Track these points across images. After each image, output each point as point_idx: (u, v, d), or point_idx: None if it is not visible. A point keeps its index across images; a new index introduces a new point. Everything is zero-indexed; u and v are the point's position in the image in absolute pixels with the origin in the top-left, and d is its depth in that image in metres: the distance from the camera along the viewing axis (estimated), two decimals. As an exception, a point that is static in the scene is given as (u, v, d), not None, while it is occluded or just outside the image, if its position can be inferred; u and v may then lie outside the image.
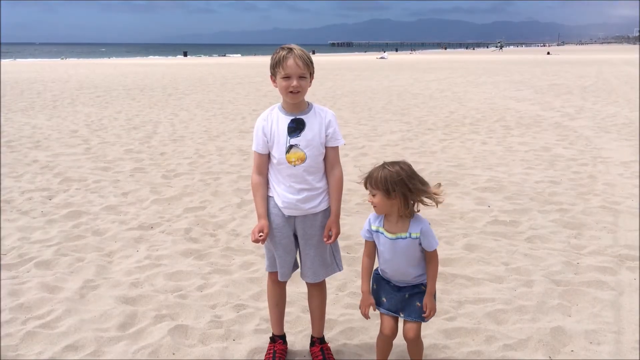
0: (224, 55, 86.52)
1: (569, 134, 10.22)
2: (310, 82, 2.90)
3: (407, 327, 2.82)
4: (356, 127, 11.41)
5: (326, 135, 2.91)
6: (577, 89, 18.91)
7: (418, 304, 2.76)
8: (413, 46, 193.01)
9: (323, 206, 2.97)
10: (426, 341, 3.34)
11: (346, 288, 4.11)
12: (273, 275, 3.13)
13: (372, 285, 2.90)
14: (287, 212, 2.95)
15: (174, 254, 4.77)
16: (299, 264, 3.12)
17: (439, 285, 4.09)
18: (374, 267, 2.90)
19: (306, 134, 2.87)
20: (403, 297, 2.79)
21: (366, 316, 2.81)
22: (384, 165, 2.68)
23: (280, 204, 2.94)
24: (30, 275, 4.35)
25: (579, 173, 7.33)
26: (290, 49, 2.83)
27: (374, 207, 2.70)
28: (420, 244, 2.70)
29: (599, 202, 6.01)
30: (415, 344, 2.87)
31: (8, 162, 8.34)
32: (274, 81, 2.88)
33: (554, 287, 4.02)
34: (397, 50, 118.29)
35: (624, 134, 10.17)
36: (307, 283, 3.16)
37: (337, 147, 2.97)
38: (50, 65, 44.21)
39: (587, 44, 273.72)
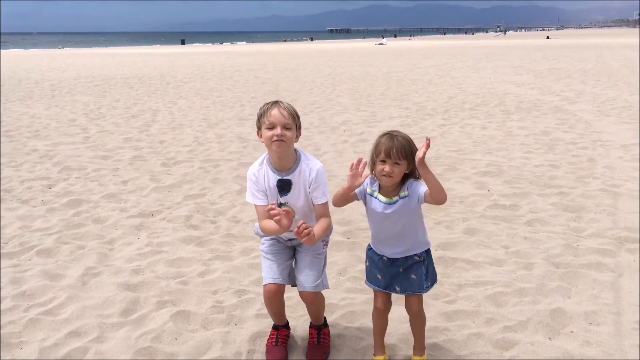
0: (221, 43, 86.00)
1: (569, 118, 10.20)
2: (297, 137, 2.87)
3: (409, 301, 2.84)
4: (355, 113, 11.39)
5: (311, 197, 2.89)
6: (577, 72, 18.84)
7: (413, 276, 2.77)
8: (412, 32, 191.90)
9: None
10: (427, 324, 3.36)
11: (347, 273, 4.12)
12: (270, 287, 3.00)
13: (365, 262, 2.92)
14: (285, 239, 3.06)
15: (175, 240, 4.79)
16: (296, 277, 3.06)
17: (439, 269, 4.11)
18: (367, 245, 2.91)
19: (293, 193, 2.90)
20: (397, 272, 2.79)
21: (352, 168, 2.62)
22: (392, 134, 2.63)
23: (279, 239, 3.06)
24: (32, 263, 4.36)
25: (578, 156, 7.33)
26: (276, 102, 2.84)
27: (389, 177, 2.61)
28: (413, 202, 2.65)
29: (599, 185, 6.01)
30: (418, 317, 2.89)
31: (7, 151, 8.33)
32: (260, 136, 2.86)
33: (553, 270, 4.04)
34: (395, 36, 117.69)
35: (624, 117, 10.15)
36: (303, 295, 3.03)
37: (325, 203, 2.91)
38: (48, 54, 43.99)
39: (587, 27, 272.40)
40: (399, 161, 2.59)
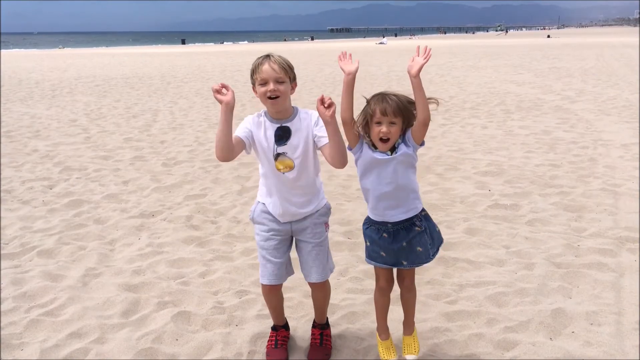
0: (222, 43, 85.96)
1: (570, 117, 10.19)
2: (293, 88, 2.82)
3: (403, 273, 2.81)
4: (355, 113, 11.36)
5: (315, 136, 2.82)
6: (577, 71, 18.82)
7: (419, 248, 2.73)
8: (412, 31, 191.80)
9: (318, 206, 2.96)
10: (427, 324, 3.37)
11: (348, 273, 4.12)
12: (265, 287, 3.02)
13: (365, 242, 2.85)
14: (282, 220, 2.92)
15: (176, 241, 4.78)
16: (301, 266, 3.06)
17: (439, 270, 4.12)
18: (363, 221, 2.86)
19: (292, 141, 2.80)
20: (401, 246, 2.72)
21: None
22: (384, 95, 2.58)
23: (274, 213, 2.92)
24: (33, 264, 4.36)
25: (579, 156, 7.33)
26: (267, 55, 2.75)
27: (387, 140, 2.57)
28: (409, 151, 2.62)
29: (600, 185, 6.01)
30: (410, 290, 2.88)
31: (8, 152, 8.34)
32: (255, 91, 2.80)
33: (554, 270, 4.03)
34: (396, 36, 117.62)
35: (625, 116, 10.14)
36: (310, 284, 3.09)
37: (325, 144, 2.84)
38: (49, 54, 44.01)
39: (588, 26, 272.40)
40: (395, 119, 2.55)
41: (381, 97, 2.58)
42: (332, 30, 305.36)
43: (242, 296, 3.80)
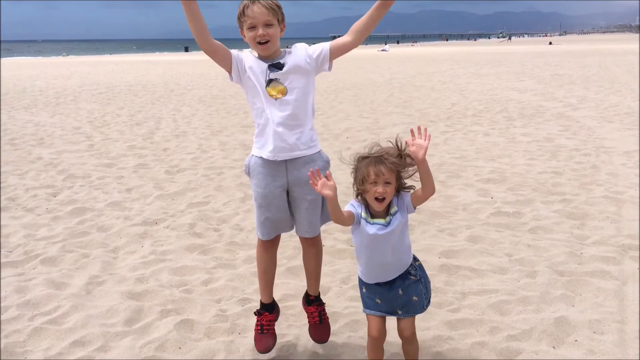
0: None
1: (572, 124, 10.19)
2: (282, 30, 2.76)
3: (402, 325, 2.74)
4: (358, 120, 11.41)
5: (317, 58, 2.79)
6: (579, 78, 18.84)
7: (415, 298, 2.70)
8: (414, 38, 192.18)
9: (314, 149, 2.90)
10: (430, 332, 3.37)
11: (350, 281, 4.12)
12: (265, 242, 3.01)
13: (361, 289, 2.79)
14: (278, 157, 2.81)
15: (179, 249, 4.80)
16: (293, 221, 3.00)
17: (442, 277, 4.12)
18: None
19: (285, 70, 2.75)
20: (397, 294, 2.69)
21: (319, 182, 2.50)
22: (378, 157, 2.54)
23: (270, 149, 2.81)
24: (36, 272, 4.38)
25: (581, 163, 7.33)
26: None
27: (383, 200, 2.53)
28: (404, 215, 2.60)
29: (602, 192, 6.00)
30: (411, 342, 2.81)
31: (12, 159, 8.37)
32: (243, 35, 2.74)
33: (557, 278, 4.03)
34: (398, 43, 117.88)
35: (627, 123, 10.14)
36: (302, 240, 3.06)
37: (331, 46, 2.82)
38: (53, 62, 44.22)
39: (589, 33, 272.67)
40: (390, 179, 2.51)
41: (375, 159, 2.53)
42: (334, 37, 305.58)
43: (245, 304, 3.81)
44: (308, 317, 3.26)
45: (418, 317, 2.83)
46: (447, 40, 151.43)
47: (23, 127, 11.35)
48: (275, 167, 2.88)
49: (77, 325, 3.54)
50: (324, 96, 15.85)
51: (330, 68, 2.89)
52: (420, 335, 3.21)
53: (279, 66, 2.77)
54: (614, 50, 42.13)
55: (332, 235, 4.95)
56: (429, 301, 2.81)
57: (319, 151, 2.98)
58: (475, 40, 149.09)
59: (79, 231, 5.26)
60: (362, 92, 16.62)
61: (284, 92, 2.76)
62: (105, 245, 4.91)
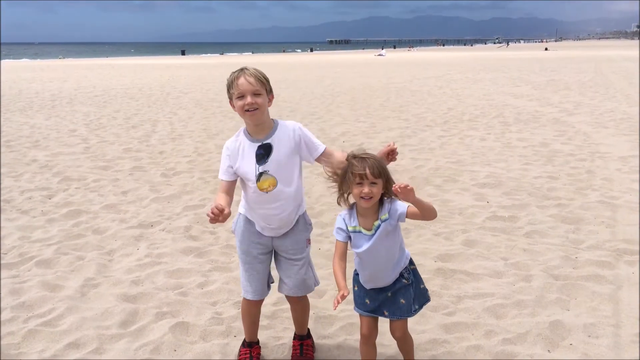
0: (222, 54, 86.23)
1: (567, 130, 10.24)
2: (270, 100, 2.82)
3: (393, 326, 2.77)
4: (355, 125, 11.43)
5: (302, 152, 2.84)
6: (575, 84, 18.92)
7: (402, 300, 2.71)
8: (411, 43, 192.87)
9: (298, 216, 2.97)
10: (425, 336, 3.37)
11: (347, 284, 4.11)
12: (248, 301, 3.07)
13: (353, 287, 2.84)
14: (266, 234, 2.96)
15: (174, 251, 4.79)
16: (280, 279, 3.08)
17: (438, 281, 4.12)
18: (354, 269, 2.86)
19: (274, 157, 2.80)
20: (386, 296, 2.72)
21: (334, 306, 2.44)
22: (360, 157, 2.55)
23: (258, 228, 2.95)
24: (31, 274, 4.36)
25: (577, 168, 7.35)
26: (242, 69, 2.77)
27: (370, 199, 2.52)
28: (393, 222, 2.60)
29: (597, 197, 6.03)
30: (404, 342, 2.85)
31: (7, 161, 8.35)
32: (232, 106, 2.81)
33: (552, 282, 4.04)
34: (395, 47, 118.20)
35: (622, 129, 10.19)
36: (289, 298, 3.12)
37: (325, 151, 2.86)
38: (49, 65, 44.15)
39: (585, 39, 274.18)
40: (376, 180, 2.51)
41: (359, 159, 2.54)
42: (331, 41, 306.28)
43: (240, 307, 3.79)
44: (292, 350, 3.25)
45: (413, 320, 2.84)
46: (443, 45, 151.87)
47: (18, 130, 11.32)
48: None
49: (71, 328, 3.53)
50: (321, 100, 15.87)
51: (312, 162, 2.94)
52: (416, 338, 3.21)
53: (267, 151, 2.80)
54: (610, 56, 42.36)
55: (329, 238, 4.95)
56: (421, 306, 2.81)
57: (301, 214, 3.01)
58: (471, 45, 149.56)
59: (74, 233, 5.24)
60: (359, 97, 16.65)
61: (275, 184, 2.82)
62: (100, 248, 4.89)
